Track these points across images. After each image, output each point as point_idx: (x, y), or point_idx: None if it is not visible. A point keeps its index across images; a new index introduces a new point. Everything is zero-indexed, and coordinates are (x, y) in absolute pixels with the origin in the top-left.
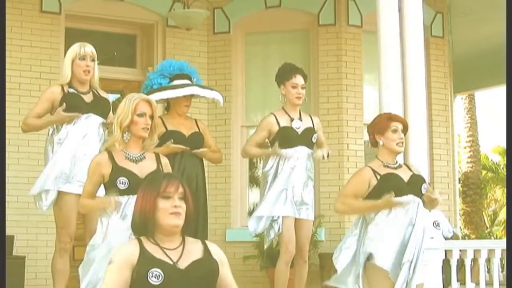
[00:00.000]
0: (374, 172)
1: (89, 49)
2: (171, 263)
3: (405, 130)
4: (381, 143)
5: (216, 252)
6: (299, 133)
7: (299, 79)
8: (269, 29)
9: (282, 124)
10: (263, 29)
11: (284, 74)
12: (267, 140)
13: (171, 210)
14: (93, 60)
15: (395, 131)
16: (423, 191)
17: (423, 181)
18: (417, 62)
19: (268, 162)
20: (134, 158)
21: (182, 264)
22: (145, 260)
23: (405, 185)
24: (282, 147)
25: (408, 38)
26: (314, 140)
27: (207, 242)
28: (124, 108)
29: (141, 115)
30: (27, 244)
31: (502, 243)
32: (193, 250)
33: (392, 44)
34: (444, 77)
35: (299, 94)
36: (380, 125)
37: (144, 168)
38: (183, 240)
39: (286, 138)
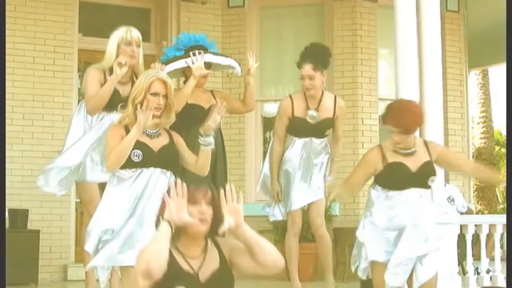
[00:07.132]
0: (383, 157)
1: (135, 34)
2: (192, 272)
3: None
4: None
5: (224, 246)
6: (313, 123)
7: (305, 69)
8: (284, 3)
9: (296, 113)
10: (278, 3)
11: (299, 60)
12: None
13: (198, 217)
14: (138, 45)
15: None
16: (430, 183)
17: (432, 173)
18: (433, 36)
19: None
20: (150, 134)
21: (203, 276)
22: (171, 272)
23: (410, 177)
24: (294, 135)
25: (424, 12)
26: (327, 134)
27: (218, 240)
28: (139, 85)
29: (155, 94)
30: (41, 218)
31: None
32: (213, 257)
33: (408, 18)
34: (459, 52)
35: (307, 85)
36: None
37: (158, 143)
38: (206, 247)
39: (298, 128)
